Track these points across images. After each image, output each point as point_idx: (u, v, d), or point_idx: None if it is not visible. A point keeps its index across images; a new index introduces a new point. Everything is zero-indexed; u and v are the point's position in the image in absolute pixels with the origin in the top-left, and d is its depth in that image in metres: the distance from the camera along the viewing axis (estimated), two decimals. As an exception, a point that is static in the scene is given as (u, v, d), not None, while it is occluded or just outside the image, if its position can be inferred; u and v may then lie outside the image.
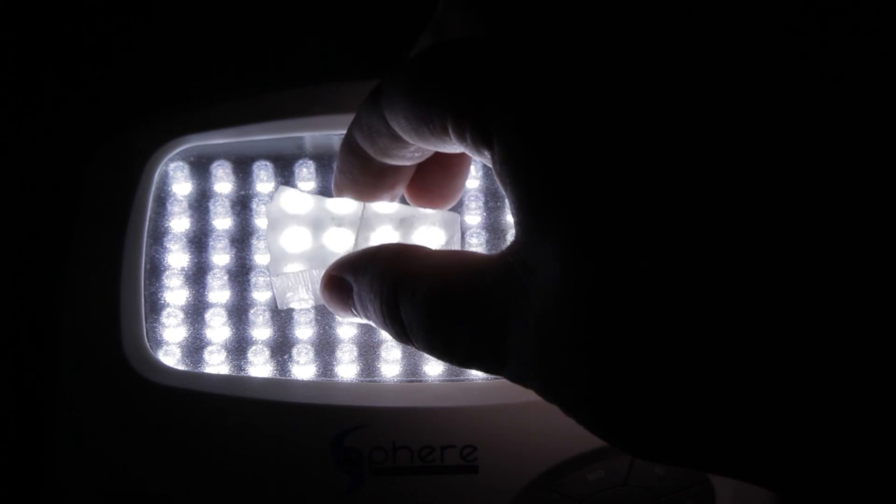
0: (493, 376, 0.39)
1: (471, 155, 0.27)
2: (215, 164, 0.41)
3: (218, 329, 0.39)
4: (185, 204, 0.41)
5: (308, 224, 0.34)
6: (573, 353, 0.24)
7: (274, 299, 0.39)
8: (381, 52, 0.47)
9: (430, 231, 0.34)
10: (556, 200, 0.24)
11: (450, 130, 0.27)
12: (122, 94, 0.46)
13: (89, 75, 0.46)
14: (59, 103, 0.46)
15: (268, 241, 0.34)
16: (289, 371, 0.39)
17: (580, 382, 0.24)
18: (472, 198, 0.41)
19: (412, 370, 0.39)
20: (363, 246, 0.33)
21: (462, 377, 0.39)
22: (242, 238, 0.41)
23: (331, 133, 0.42)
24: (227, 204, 0.41)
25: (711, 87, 0.24)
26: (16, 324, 0.42)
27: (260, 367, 0.39)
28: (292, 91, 0.42)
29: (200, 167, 0.41)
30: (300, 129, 0.41)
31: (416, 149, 0.30)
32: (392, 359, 0.39)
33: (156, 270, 0.40)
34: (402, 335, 0.28)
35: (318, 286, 0.34)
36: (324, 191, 0.41)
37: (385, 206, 0.34)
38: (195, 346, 0.39)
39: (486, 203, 0.41)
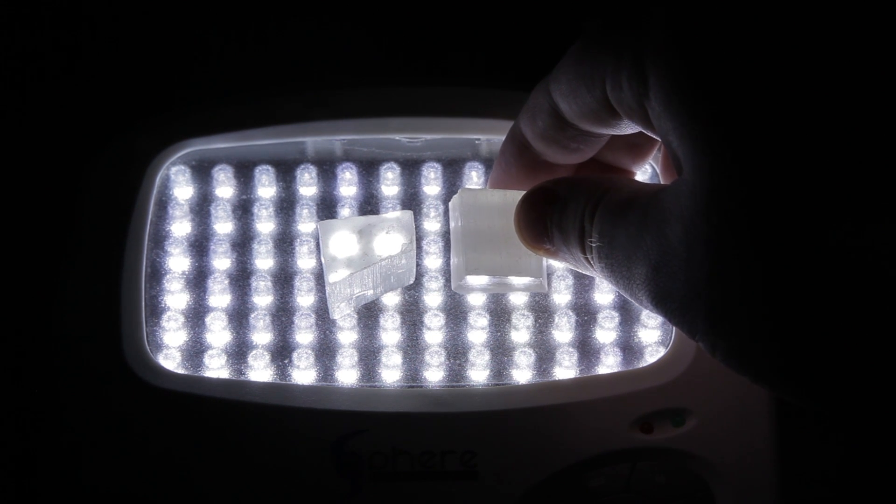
0: (493, 382, 0.39)
1: (627, 117, 0.28)
2: (217, 168, 0.41)
3: (218, 333, 0.39)
4: (186, 208, 0.41)
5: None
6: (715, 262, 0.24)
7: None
8: (383, 57, 0.47)
9: (389, 236, 0.35)
10: (715, 115, 0.24)
11: (607, 85, 0.27)
12: (125, 97, 0.46)
13: (92, 78, 0.46)
14: (60, 106, 0.46)
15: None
16: (289, 375, 0.39)
17: (715, 290, 0.24)
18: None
19: (412, 376, 0.39)
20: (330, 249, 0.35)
21: (462, 383, 0.39)
22: (243, 242, 0.41)
23: (332, 138, 0.42)
24: (229, 208, 0.41)
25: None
26: (16, 326, 0.42)
27: (260, 371, 0.39)
28: (294, 96, 0.42)
29: (202, 171, 0.41)
30: (302, 133, 0.41)
31: (573, 136, 0.31)
32: (392, 364, 0.39)
33: (156, 274, 0.40)
34: (584, 260, 0.29)
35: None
36: (324, 195, 0.41)
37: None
38: (195, 350, 0.39)
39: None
